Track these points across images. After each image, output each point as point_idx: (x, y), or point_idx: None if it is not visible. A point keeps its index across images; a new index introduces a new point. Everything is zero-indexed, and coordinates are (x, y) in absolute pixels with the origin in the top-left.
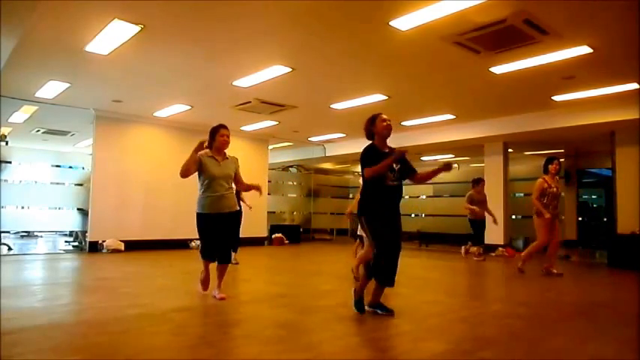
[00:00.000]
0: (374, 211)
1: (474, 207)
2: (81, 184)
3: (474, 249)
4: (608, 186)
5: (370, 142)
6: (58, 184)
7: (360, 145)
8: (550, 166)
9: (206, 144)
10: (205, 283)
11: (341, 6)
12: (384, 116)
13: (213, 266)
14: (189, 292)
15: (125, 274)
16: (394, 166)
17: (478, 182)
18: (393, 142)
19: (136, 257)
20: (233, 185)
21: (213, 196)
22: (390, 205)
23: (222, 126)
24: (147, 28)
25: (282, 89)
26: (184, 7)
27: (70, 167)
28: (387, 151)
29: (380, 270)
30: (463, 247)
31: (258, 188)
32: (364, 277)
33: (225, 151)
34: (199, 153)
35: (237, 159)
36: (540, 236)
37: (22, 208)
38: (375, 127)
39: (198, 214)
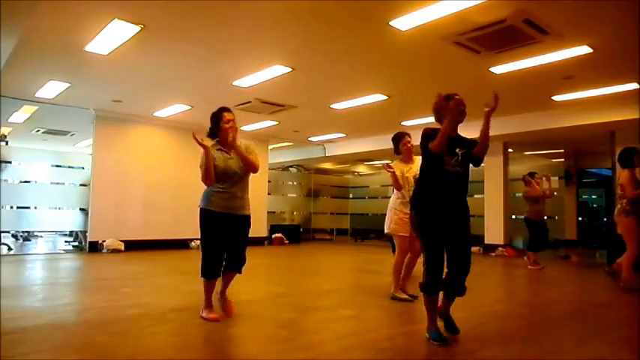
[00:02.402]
0: (428, 203)
1: None
2: (82, 185)
3: (531, 256)
4: (608, 186)
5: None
6: (58, 184)
7: (360, 145)
8: (636, 158)
9: (202, 138)
10: (211, 305)
11: (341, 6)
12: (460, 98)
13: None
14: (189, 292)
15: (125, 274)
16: (457, 150)
17: (532, 176)
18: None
19: (136, 257)
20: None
21: (225, 194)
22: (450, 197)
23: (223, 109)
24: (147, 28)
25: (282, 89)
26: (184, 7)
27: (70, 167)
28: (454, 136)
29: (433, 279)
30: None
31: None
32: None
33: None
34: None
35: (250, 144)
36: (630, 242)
37: (21, 208)
38: (447, 105)
39: (203, 210)
